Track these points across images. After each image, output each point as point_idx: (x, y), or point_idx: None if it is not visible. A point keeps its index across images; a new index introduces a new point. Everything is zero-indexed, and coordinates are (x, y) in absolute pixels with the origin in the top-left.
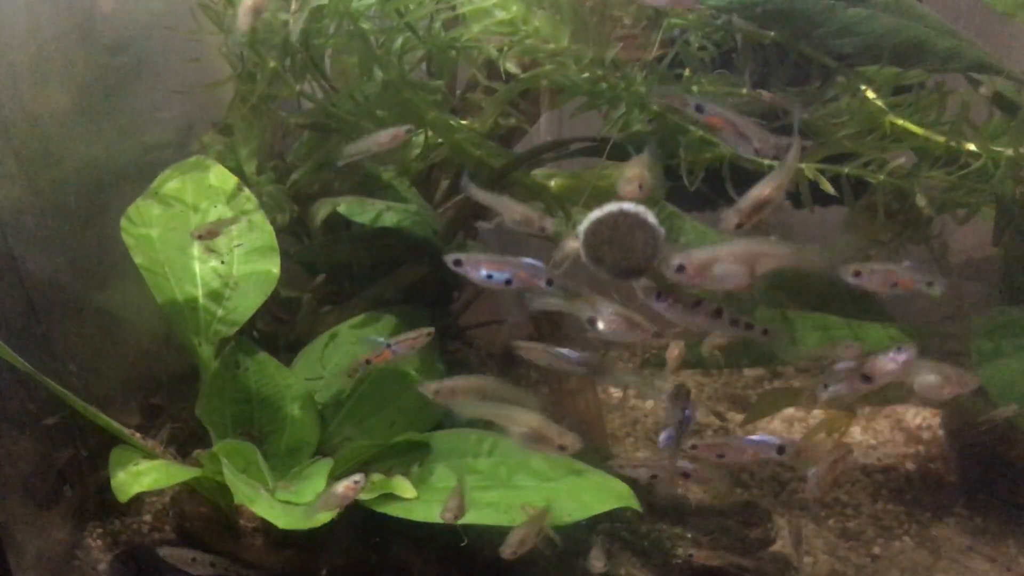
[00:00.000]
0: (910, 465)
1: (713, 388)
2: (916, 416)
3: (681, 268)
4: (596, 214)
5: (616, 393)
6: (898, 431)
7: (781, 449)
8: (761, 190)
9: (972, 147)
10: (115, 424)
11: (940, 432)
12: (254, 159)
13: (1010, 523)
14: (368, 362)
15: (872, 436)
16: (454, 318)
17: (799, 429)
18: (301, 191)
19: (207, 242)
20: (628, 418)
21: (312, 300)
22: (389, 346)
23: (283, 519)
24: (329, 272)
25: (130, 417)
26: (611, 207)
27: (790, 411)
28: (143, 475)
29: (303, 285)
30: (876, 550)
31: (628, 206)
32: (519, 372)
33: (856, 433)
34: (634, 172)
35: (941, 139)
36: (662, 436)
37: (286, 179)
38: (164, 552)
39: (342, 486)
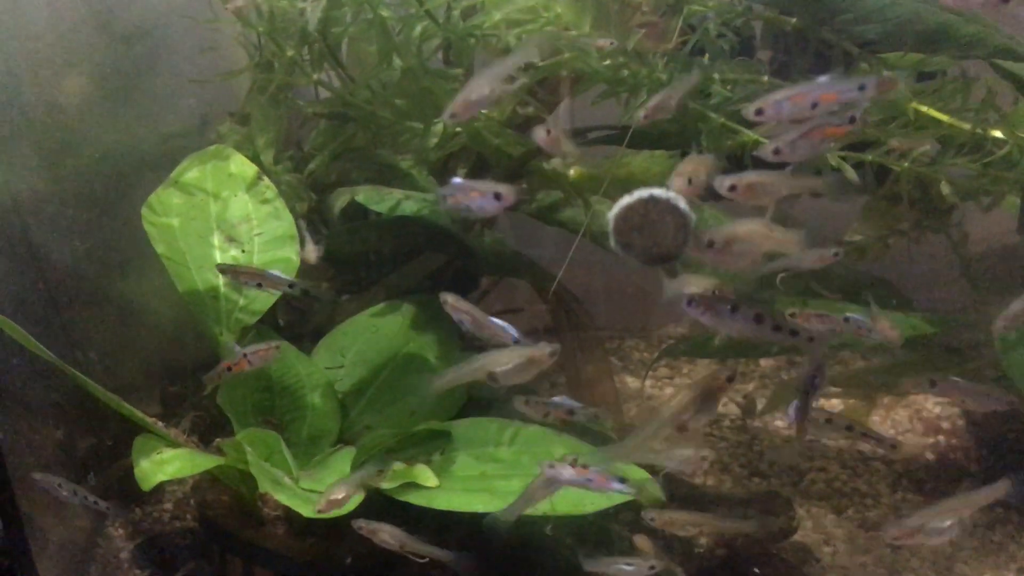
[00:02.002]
0: (930, 455)
1: None
2: (936, 406)
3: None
4: (626, 200)
5: (633, 383)
6: (918, 421)
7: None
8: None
9: (997, 134)
10: (138, 413)
11: (960, 422)
12: (271, 148)
13: None
14: (229, 369)
15: (892, 426)
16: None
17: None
18: (318, 180)
19: (228, 231)
20: (645, 407)
21: (330, 289)
22: (245, 355)
23: (307, 507)
24: (347, 261)
25: (150, 406)
26: (641, 193)
27: None
28: (167, 463)
29: (321, 274)
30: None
31: (658, 192)
32: None
33: (875, 423)
34: (690, 167)
35: (966, 126)
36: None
37: (303, 168)
38: (37, 476)
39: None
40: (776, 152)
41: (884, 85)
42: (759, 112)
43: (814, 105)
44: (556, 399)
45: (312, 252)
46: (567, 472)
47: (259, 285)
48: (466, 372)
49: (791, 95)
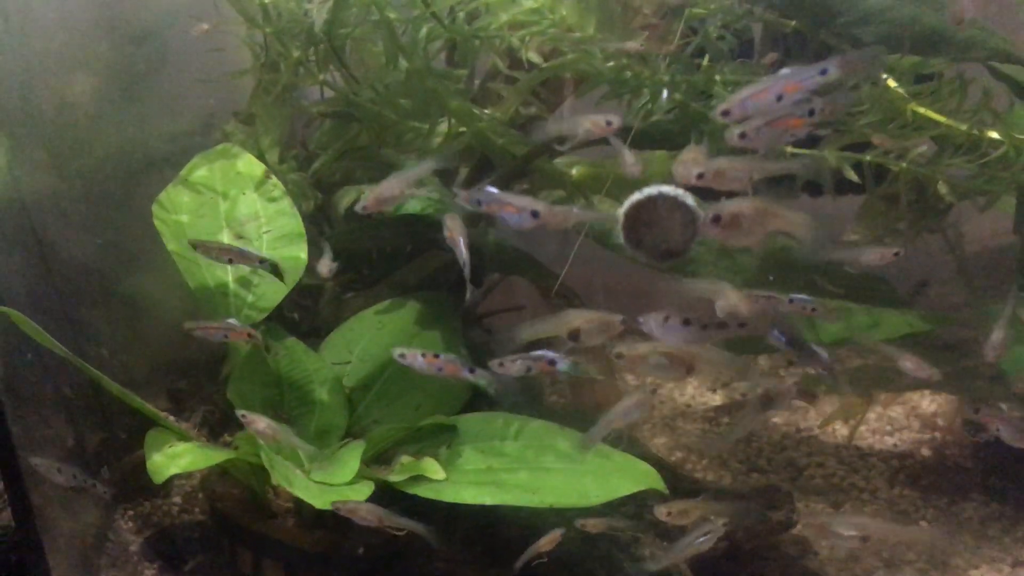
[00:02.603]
0: (926, 451)
1: (728, 375)
2: (932, 403)
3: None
4: (636, 196)
5: (634, 380)
6: (914, 417)
7: None
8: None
9: (994, 135)
10: (150, 407)
11: (956, 419)
12: (276, 148)
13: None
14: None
15: (888, 423)
16: (472, 305)
17: (815, 415)
18: (323, 179)
19: (237, 229)
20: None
21: (335, 287)
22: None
23: (319, 499)
24: (351, 259)
25: (158, 401)
26: (650, 190)
27: None
28: (179, 457)
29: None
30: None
31: (667, 189)
32: None
33: (872, 420)
34: (690, 155)
35: (963, 127)
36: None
37: (308, 167)
38: (35, 461)
39: None
40: (742, 137)
41: (848, 65)
42: (725, 113)
43: (779, 98)
44: (536, 352)
45: (326, 267)
46: (419, 360)
47: (230, 261)
48: (549, 327)
49: (753, 92)
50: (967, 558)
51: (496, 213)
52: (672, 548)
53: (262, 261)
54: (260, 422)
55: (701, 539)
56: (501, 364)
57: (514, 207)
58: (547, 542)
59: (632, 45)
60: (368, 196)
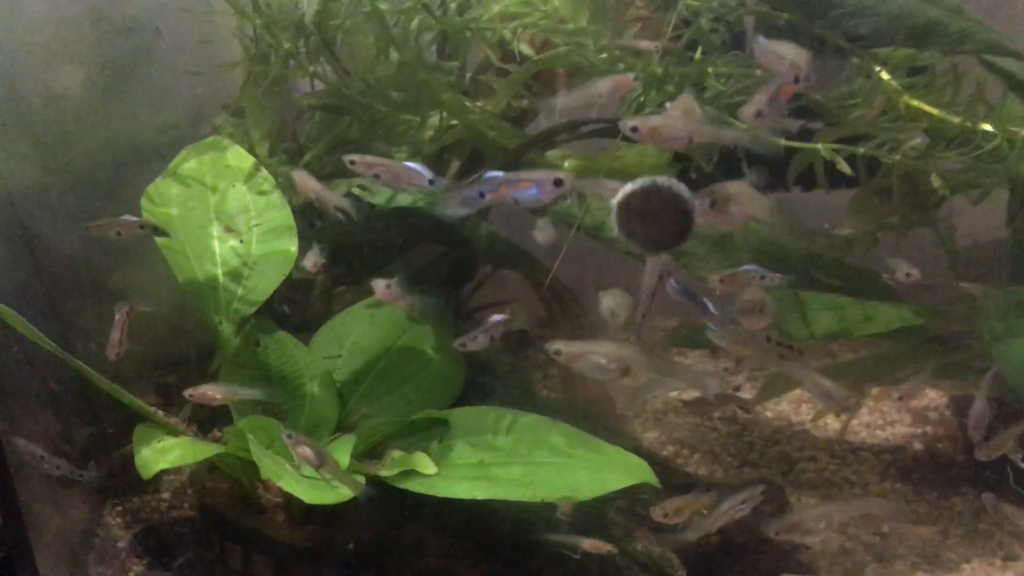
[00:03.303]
0: (918, 445)
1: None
2: (923, 397)
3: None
4: (629, 187)
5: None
6: (905, 412)
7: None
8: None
9: (987, 127)
10: (139, 402)
11: (947, 412)
12: (266, 140)
13: (1017, 502)
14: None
15: (880, 417)
16: (463, 300)
17: (807, 410)
18: (314, 172)
19: (226, 222)
20: (638, 399)
21: (325, 280)
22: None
23: (308, 494)
24: (340, 252)
25: (146, 396)
26: (644, 180)
27: (798, 392)
28: (168, 451)
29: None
30: (885, 528)
31: (661, 180)
32: (528, 353)
33: (864, 414)
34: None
35: (956, 119)
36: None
37: (299, 160)
38: (19, 442)
39: None
40: (758, 115)
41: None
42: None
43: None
44: (491, 320)
45: (311, 261)
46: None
47: (119, 234)
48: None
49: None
50: (959, 552)
51: (507, 199)
52: (710, 513)
53: (142, 226)
54: (205, 390)
55: (741, 506)
56: (463, 344)
57: (529, 181)
58: (591, 546)
59: (647, 44)
60: (300, 175)
